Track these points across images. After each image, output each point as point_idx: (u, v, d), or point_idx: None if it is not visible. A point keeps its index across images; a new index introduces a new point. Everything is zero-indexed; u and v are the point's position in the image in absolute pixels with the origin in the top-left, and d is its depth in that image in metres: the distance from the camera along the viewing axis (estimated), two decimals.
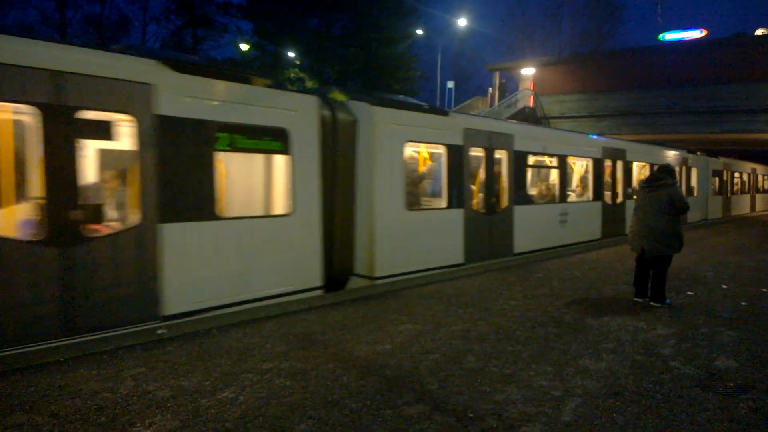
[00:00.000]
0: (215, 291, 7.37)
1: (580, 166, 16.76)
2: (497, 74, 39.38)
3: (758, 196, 35.63)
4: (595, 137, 18.12)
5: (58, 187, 5.99)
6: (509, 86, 39.91)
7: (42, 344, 5.77)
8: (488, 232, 12.05)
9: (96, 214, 6.67)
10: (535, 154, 13.80)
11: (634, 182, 17.99)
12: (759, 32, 35.41)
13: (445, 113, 11.63)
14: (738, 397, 4.89)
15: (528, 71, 36.42)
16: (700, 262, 12.34)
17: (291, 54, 42.68)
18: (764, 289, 9.44)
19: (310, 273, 8.68)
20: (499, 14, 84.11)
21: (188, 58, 7.97)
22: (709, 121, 29.57)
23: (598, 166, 16.21)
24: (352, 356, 5.76)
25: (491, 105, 37.84)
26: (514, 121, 25.58)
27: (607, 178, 16.96)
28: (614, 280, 10.03)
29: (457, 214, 11.17)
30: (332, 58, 43.19)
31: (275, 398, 4.65)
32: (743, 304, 8.41)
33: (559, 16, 65.79)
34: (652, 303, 8.22)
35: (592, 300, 8.57)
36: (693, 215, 22.75)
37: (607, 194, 16.80)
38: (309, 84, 39.81)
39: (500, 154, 12.51)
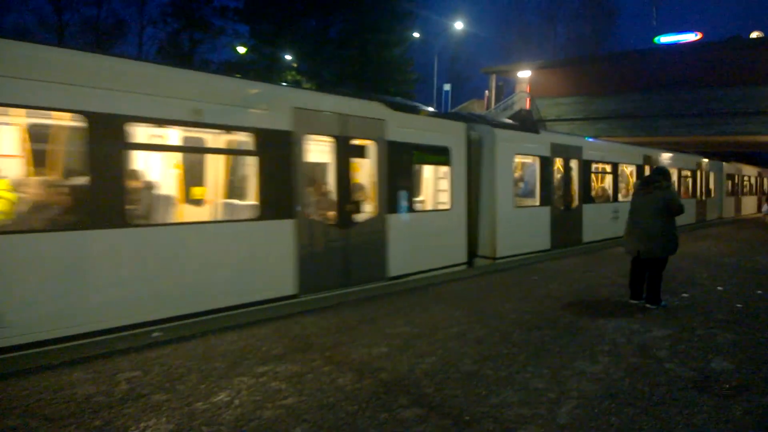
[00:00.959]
0: (415, 262, 10.57)
1: (629, 172, 20.00)
2: (493, 77, 39.46)
3: (763, 198, 36.17)
4: (638, 148, 21.61)
5: (342, 189, 9.17)
6: (505, 89, 39.97)
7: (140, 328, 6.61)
8: (566, 224, 15.19)
9: (358, 206, 9.54)
10: (596, 162, 17.11)
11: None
12: (754, 35, 35.54)
13: (537, 131, 15.11)
14: (733, 398, 4.89)
15: (524, 74, 36.51)
16: (697, 263, 12.36)
17: (288, 57, 42.71)
18: (759, 291, 9.46)
19: (460, 252, 11.97)
20: (495, 17, 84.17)
21: (398, 100, 11.78)
22: (704, 124, 29.68)
23: (641, 172, 19.38)
24: (348, 359, 5.75)
25: (488, 108, 37.92)
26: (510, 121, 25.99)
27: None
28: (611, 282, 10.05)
29: (546, 210, 14.41)
30: (329, 61, 43.26)
31: (270, 401, 4.64)
32: (738, 305, 8.42)
33: (555, 19, 66.10)
34: (647, 305, 8.23)
35: (589, 301, 8.59)
36: (711, 213, 25.98)
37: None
38: (306, 87, 39.79)
39: (573, 163, 15.74)
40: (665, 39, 40.43)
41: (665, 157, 21.83)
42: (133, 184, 7.22)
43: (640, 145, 21.34)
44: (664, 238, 8.01)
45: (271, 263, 8.17)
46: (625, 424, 4.33)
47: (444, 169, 11.71)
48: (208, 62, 47.52)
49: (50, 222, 6.48)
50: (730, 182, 28.99)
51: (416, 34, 45.95)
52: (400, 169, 10.21)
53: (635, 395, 4.91)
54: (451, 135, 11.68)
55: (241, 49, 44.32)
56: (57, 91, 6.07)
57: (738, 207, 29.75)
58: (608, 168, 17.89)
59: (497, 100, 38.01)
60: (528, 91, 36.01)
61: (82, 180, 6.45)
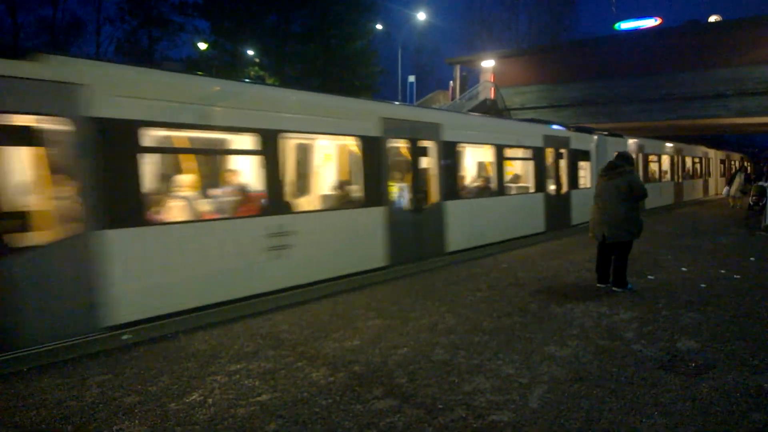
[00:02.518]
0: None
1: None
2: (458, 68, 39.54)
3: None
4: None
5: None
6: (470, 79, 40.08)
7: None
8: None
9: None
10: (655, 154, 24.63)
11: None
12: (712, 19, 36.13)
13: (621, 136, 21.50)
14: (700, 377, 5.02)
15: (488, 64, 36.63)
16: (661, 246, 12.61)
17: (250, 52, 42.26)
18: (722, 271, 9.69)
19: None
20: (458, 8, 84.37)
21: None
22: (666, 108, 30.14)
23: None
24: (320, 354, 5.75)
25: (453, 98, 38.01)
26: (475, 113, 26.26)
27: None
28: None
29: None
30: (292, 56, 42.97)
31: (244, 399, 4.63)
32: (702, 286, 8.62)
33: (517, 8, 66.48)
34: (614, 288, 8.38)
35: (557, 287, 8.71)
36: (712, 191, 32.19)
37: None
38: (270, 82, 39.46)
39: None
40: (625, 25, 40.94)
41: (688, 149, 29.15)
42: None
43: (603, 131, 21.47)
44: (628, 222, 8.15)
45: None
46: (594, 406, 4.42)
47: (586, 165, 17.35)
48: (169, 59, 46.73)
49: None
50: (722, 166, 33.51)
51: (379, 27, 45.85)
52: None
53: (604, 377, 5.01)
54: (592, 143, 18.04)
55: (202, 45, 43.68)
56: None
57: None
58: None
59: (462, 90, 38.10)
60: (492, 80, 36.16)
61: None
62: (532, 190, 15.16)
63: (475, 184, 13.96)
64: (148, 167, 7.20)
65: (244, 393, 4.75)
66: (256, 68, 42.72)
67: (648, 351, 5.70)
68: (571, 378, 5.00)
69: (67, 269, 6.15)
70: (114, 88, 6.62)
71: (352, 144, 10.38)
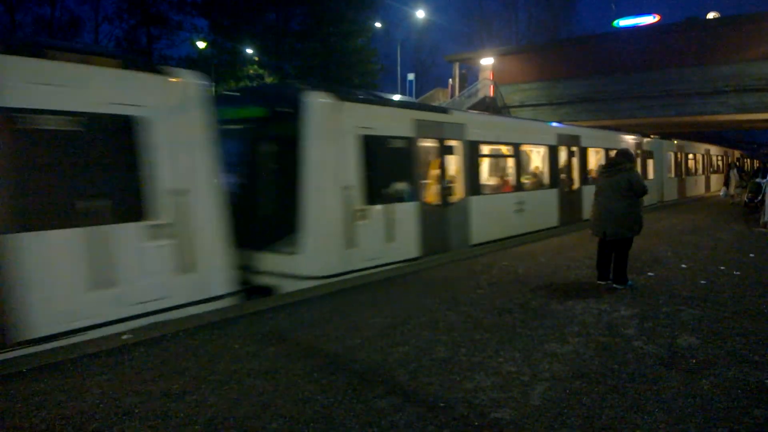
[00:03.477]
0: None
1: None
2: (457, 65, 39.55)
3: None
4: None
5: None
6: (469, 77, 40.07)
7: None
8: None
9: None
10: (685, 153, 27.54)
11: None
12: (710, 16, 36.16)
13: (670, 139, 24.23)
14: (700, 373, 5.02)
15: (487, 61, 36.64)
16: (661, 242, 12.61)
17: (249, 50, 42.21)
18: (722, 267, 9.69)
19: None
20: (457, 5, 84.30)
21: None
22: (664, 105, 30.17)
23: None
24: (321, 352, 5.75)
25: (452, 96, 38.03)
26: (474, 111, 26.27)
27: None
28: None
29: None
30: (291, 54, 42.92)
31: (245, 398, 4.62)
32: (702, 282, 8.62)
33: (516, 5, 66.43)
34: (614, 285, 8.38)
35: (559, 284, 8.71)
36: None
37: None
38: (269, 80, 39.43)
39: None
40: (624, 22, 40.94)
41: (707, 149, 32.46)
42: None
43: (601, 127, 21.55)
44: (629, 218, 8.15)
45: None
46: (596, 403, 4.42)
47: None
48: (168, 58, 46.67)
49: None
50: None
51: (378, 24, 45.80)
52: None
53: (605, 374, 5.01)
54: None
55: (201, 44, 43.61)
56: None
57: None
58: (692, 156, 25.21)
59: (461, 88, 38.10)
60: (491, 78, 36.16)
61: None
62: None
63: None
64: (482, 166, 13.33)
65: (245, 392, 4.74)
66: (255, 66, 42.67)
67: (649, 347, 5.70)
68: (572, 375, 5.00)
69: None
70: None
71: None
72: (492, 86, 35.71)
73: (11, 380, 5.10)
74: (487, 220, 13.12)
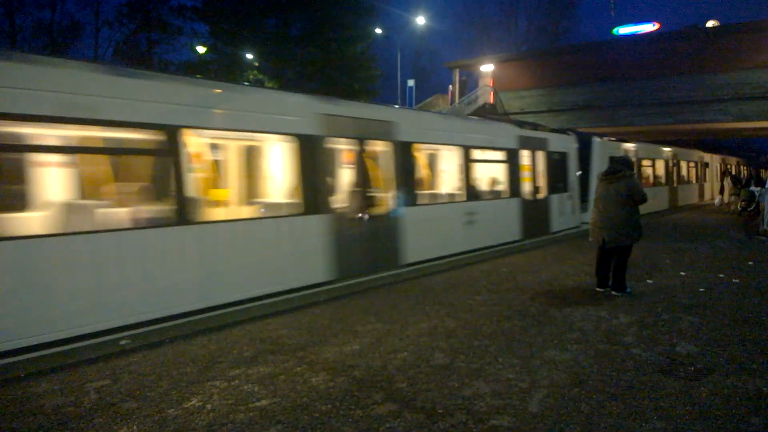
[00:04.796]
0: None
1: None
2: (457, 71, 39.58)
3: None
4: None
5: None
6: (469, 83, 40.12)
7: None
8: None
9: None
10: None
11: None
12: (710, 24, 36.25)
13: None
14: (699, 381, 5.02)
15: (487, 68, 36.67)
16: (660, 250, 12.62)
17: (249, 56, 42.25)
18: (721, 275, 9.70)
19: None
20: (457, 12, 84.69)
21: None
22: (663, 113, 30.20)
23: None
24: (320, 358, 5.74)
25: (452, 102, 38.05)
26: (474, 117, 26.26)
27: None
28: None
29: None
30: (291, 59, 42.91)
31: (243, 404, 4.62)
32: (701, 290, 8.63)
33: (516, 12, 66.57)
34: (613, 292, 8.38)
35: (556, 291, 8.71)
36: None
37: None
38: (269, 85, 39.47)
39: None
40: (624, 30, 41.01)
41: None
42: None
43: (599, 134, 21.54)
44: (628, 226, 8.16)
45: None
46: (594, 410, 4.42)
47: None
48: (168, 63, 46.73)
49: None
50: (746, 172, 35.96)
51: (378, 30, 45.82)
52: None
53: (604, 381, 5.00)
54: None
55: (201, 49, 43.62)
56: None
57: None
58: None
59: (461, 94, 38.13)
60: (491, 84, 36.21)
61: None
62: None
63: None
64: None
65: (243, 398, 4.74)
66: (255, 72, 42.70)
67: (647, 355, 5.70)
68: (570, 382, 4.99)
69: None
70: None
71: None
72: (492, 93, 35.74)
73: (9, 385, 5.10)
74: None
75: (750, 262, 10.96)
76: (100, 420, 4.36)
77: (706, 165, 34.29)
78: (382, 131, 10.41)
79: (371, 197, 10.19)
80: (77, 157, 7.44)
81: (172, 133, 7.02)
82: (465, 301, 8.13)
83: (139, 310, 6.65)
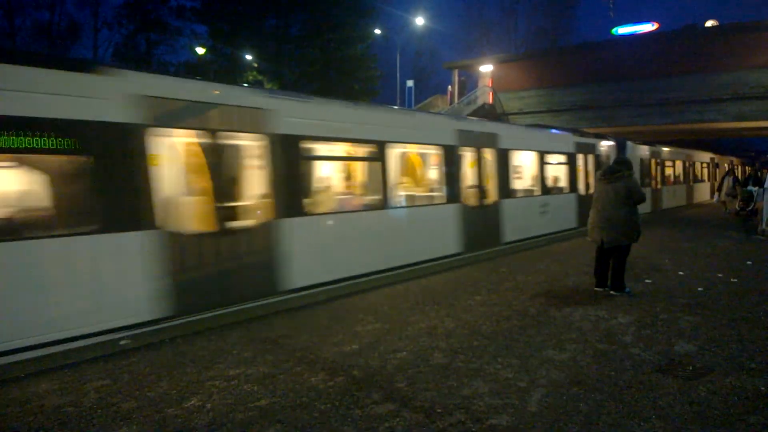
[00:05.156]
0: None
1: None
2: (456, 72, 39.58)
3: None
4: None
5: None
6: (468, 84, 40.12)
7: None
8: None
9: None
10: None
11: None
12: (709, 24, 36.28)
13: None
14: (697, 380, 5.03)
15: (486, 68, 36.67)
16: (659, 250, 12.63)
17: (248, 56, 42.29)
18: (720, 275, 9.71)
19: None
20: (456, 12, 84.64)
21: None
22: (663, 113, 30.20)
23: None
24: (319, 358, 5.75)
25: (451, 103, 38.06)
26: (474, 118, 26.36)
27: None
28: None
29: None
30: (290, 60, 42.99)
31: (243, 404, 4.63)
32: (699, 289, 8.64)
33: (515, 13, 66.62)
34: (612, 292, 8.39)
35: (558, 290, 8.72)
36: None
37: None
38: (268, 86, 39.48)
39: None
40: (623, 30, 41.04)
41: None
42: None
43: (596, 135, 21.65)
44: (627, 226, 8.16)
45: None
46: (593, 410, 4.43)
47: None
48: (167, 64, 46.76)
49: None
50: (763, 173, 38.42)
51: (378, 31, 45.87)
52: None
53: (602, 381, 5.02)
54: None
55: (200, 50, 43.66)
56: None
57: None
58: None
59: (460, 94, 38.14)
60: (490, 85, 36.20)
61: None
62: None
63: None
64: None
65: (243, 398, 4.75)
66: (255, 72, 42.75)
67: (646, 354, 5.71)
68: (569, 381, 5.00)
69: None
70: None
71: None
72: (491, 93, 35.75)
73: (9, 385, 5.11)
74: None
75: (749, 262, 10.97)
76: (100, 420, 4.37)
77: (717, 165, 37.13)
78: (491, 141, 13.09)
79: (485, 191, 12.74)
80: (344, 162, 11.01)
81: (381, 145, 10.09)
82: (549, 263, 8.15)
83: (401, 260, 10.28)
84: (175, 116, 7.23)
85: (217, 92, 7.88)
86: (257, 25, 41.92)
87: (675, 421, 4.24)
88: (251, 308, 7.68)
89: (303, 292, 8.40)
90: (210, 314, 7.21)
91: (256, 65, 43.17)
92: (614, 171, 8.43)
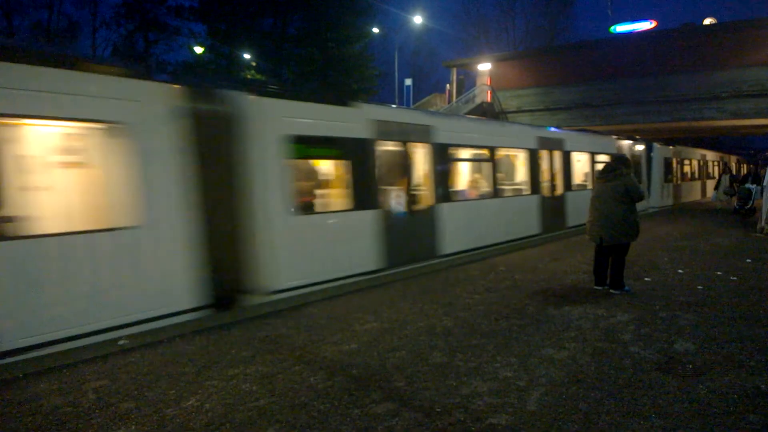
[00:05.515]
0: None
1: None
2: (454, 70, 39.55)
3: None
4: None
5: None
6: (467, 82, 40.10)
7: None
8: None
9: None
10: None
11: None
12: (707, 21, 36.28)
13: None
14: (697, 378, 5.02)
15: (484, 67, 36.65)
16: (657, 247, 12.63)
17: (247, 56, 42.24)
18: (719, 273, 9.70)
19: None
20: (454, 11, 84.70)
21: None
22: (661, 111, 30.21)
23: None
24: (318, 357, 5.74)
25: (449, 101, 38.04)
26: (472, 116, 26.52)
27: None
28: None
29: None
30: (289, 59, 42.96)
31: (242, 404, 4.62)
32: (699, 287, 8.63)
33: (513, 11, 66.56)
34: (611, 290, 8.38)
35: (554, 290, 8.71)
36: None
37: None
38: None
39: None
40: (621, 28, 40.98)
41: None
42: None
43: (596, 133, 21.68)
44: (625, 224, 8.16)
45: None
46: (592, 408, 4.42)
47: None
48: (165, 63, 46.69)
49: None
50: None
51: (376, 30, 45.84)
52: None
53: (602, 379, 5.01)
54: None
55: (198, 49, 43.61)
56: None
57: None
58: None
59: (459, 93, 38.12)
60: (489, 83, 36.18)
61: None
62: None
63: None
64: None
65: (241, 398, 4.74)
66: (253, 72, 42.70)
67: (645, 353, 5.70)
68: (568, 380, 4.99)
69: None
70: None
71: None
72: (489, 92, 35.72)
73: (8, 385, 5.09)
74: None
75: (748, 260, 10.97)
76: (98, 420, 4.36)
77: (726, 163, 39.54)
78: (558, 145, 16.09)
79: (555, 185, 15.87)
80: (476, 163, 14.00)
81: (492, 150, 13.26)
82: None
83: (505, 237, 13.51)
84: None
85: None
86: (255, 25, 41.90)
87: (675, 419, 4.23)
88: (422, 266, 10.62)
89: (450, 257, 11.45)
90: (405, 268, 10.32)
91: (254, 64, 43.12)
92: (613, 169, 8.43)
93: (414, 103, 41.76)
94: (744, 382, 4.90)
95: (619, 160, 8.58)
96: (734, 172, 35.43)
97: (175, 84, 7.22)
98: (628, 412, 4.36)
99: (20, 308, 5.70)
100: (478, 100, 35.25)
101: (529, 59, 37.89)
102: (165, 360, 5.73)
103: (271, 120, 8.14)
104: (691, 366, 5.33)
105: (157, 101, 6.87)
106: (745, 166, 45.85)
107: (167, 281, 6.92)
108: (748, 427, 4.11)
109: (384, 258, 10.00)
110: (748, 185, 19.68)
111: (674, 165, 27.50)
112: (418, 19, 46.12)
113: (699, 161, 32.96)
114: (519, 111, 34.20)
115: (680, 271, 9.96)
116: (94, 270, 6.24)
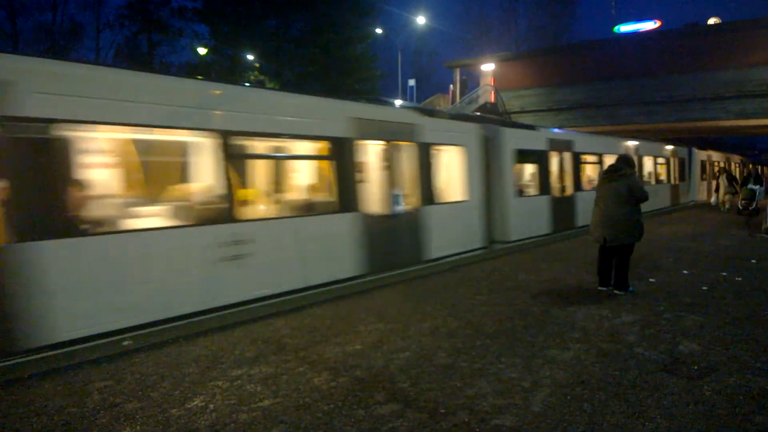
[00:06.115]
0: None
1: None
2: (457, 71, 39.54)
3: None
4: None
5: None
6: (470, 82, 40.08)
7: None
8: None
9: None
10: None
11: None
12: (711, 21, 36.22)
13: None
14: (702, 379, 5.01)
15: (488, 67, 36.62)
16: (661, 248, 12.60)
17: (250, 56, 42.29)
18: (724, 273, 9.68)
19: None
20: (457, 11, 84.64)
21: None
22: (666, 111, 30.14)
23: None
24: (322, 358, 5.74)
25: (453, 102, 38.01)
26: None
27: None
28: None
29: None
30: (291, 60, 42.98)
31: (246, 404, 4.62)
32: (704, 288, 8.61)
33: (516, 11, 66.52)
34: (615, 291, 8.36)
35: (557, 290, 8.70)
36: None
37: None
38: (270, 86, 39.47)
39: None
40: (625, 28, 40.93)
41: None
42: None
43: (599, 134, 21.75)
44: (629, 224, 8.14)
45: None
46: (597, 409, 4.41)
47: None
48: (169, 65, 46.77)
49: None
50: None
51: (379, 30, 45.87)
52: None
53: (606, 380, 5.00)
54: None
55: (202, 50, 43.66)
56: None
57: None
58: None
59: (462, 93, 38.08)
60: (492, 83, 36.16)
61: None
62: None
63: None
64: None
65: (245, 398, 4.74)
66: (256, 72, 42.74)
67: (650, 354, 5.69)
68: (573, 381, 4.99)
69: None
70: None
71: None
72: (493, 92, 35.70)
73: (13, 386, 5.10)
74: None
75: (753, 260, 10.94)
76: (103, 420, 4.36)
77: (744, 164, 46.08)
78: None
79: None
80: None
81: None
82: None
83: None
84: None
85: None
86: (258, 25, 41.89)
87: (680, 420, 4.22)
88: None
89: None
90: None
91: (257, 65, 43.16)
92: (616, 170, 8.41)
93: (417, 103, 41.71)
94: (749, 383, 4.88)
95: (623, 160, 8.55)
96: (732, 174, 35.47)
97: (479, 122, 13.54)
98: (633, 413, 4.35)
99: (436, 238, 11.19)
100: (481, 101, 35.22)
101: (533, 59, 37.85)
102: (169, 360, 5.74)
103: (508, 142, 13.89)
104: (696, 367, 5.32)
105: (476, 133, 12.91)
106: (746, 167, 46.02)
107: (476, 230, 12.62)
108: (754, 429, 4.10)
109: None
110: (750, 186, 19.63)
111: (707, 166, 32.74)
112: (420, 20, 46.17)
113: (724, 163, 37.42)
114: (522, 111, 34.16)
115: (685, 271, 9.94)
116: (458, 221, 12.10)
